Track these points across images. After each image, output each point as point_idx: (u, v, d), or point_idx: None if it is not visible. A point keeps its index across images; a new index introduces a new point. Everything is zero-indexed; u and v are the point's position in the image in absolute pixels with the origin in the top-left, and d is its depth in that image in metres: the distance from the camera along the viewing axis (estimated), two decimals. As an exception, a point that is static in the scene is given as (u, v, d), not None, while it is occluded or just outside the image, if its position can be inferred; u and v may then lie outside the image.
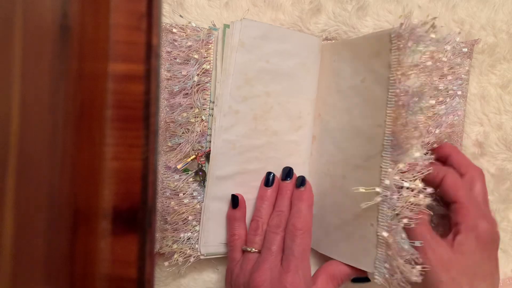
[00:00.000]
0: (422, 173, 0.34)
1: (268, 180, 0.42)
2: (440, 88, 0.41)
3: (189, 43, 0.41)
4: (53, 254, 0.22)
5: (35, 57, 0.22)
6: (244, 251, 0.40)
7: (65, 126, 0.23)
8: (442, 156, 0.40)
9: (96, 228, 0.23)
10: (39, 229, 0.21)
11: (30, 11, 0.22)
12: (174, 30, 0.41)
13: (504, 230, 0.44)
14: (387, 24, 0.44)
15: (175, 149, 0.41)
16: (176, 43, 0.41)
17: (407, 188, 0.34)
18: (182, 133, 0.41)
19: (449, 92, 0.41)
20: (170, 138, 0.41)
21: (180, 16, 0.43)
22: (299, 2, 0.44)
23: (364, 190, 0.36)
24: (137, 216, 0.23)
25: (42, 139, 0.22)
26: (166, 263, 0.41)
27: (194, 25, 0.42)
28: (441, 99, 0.41)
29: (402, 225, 0.35)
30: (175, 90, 0.40)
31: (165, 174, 0.42)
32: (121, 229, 0.23)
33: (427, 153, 0.35)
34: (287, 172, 0.42)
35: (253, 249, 0.39)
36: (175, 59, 0.41)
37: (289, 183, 0.42)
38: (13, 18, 0.21)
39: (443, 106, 0.41)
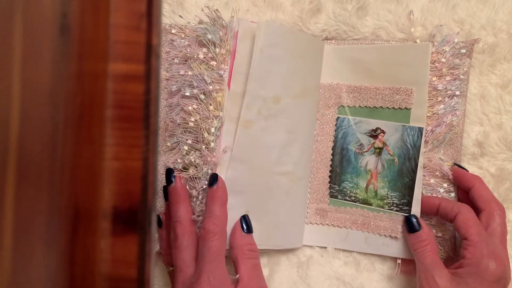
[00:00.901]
0: None
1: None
2: (439, 88, 0.42)
3: (187, 43, 0.41)
4: (53, 254, 0.22)
5: (35, 57, 0.22)
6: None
7: (65, 126, 0.23)
8: (464, 186, 0.41)
9: (96, 228, 0.23)
10: (39, 229, 0.21)
11: (30, 11, 0.22)
12: (173, 31, 0.41)
13: (504, 230, 0.44)
14: (387, 23, 0.44)
15: (174, 148, 0.41)
16: (174, 43, 0.41)
17: None
18: (180, 133, 0.40)
19: (448, 92, 0.42)
20: (169, 138, 0.41)
21: (180, 16, 0.43)
22: (299, 2, 0.44)
23: None
24: (137, 216, 0.23)
25: (42, 139, 0.22)
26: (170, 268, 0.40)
27: (193, 24, 0.42)
28: (440, 99, 0.42)
29: None
30: (172, 89, 0.40)
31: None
32: (121, 229, 0.23)
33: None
34: (168, 176, 0.40)
35: (170, 268, 0.39)
36: (173, 59, 0.41)
37: (175, 188, 0.39)
38: (13, 18, 0.21)
39: (442, 106, 0.42)
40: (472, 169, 0.44)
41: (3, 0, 0.21)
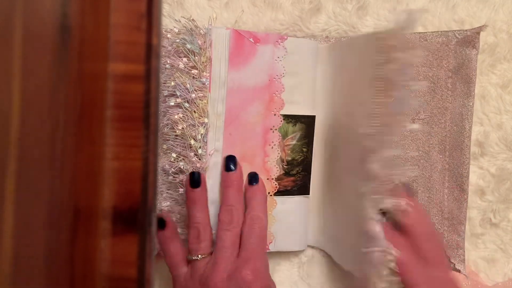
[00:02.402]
0: None
1: (194, 181, 0.39)
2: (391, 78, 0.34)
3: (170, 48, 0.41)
4: (53, 254, 0.22)
5: (35, 57, 0.22)
6: (189, 261, 0.38)
7: (65, 126, 0.23)
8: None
9: (96, 228, 0.23)
10: (39, 229, 0.21)
11: (30, 11, 0.22)
12: (169, 36, 0.41)
13: (504, 229, 0.44)
14: (387, 23, 0.44)
15: (169, 152, 0.41)
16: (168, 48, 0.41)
17: None
18: (176, 135, 0.40)
19: (396, 85, 0.34)
20: (164, 142, 0.41)
21: (175, 20, 0.43)
22: (299, 2, 0.44)
23: None
24: (137, 216, 0.23)
25: (42, 139, 0.22)
26: None
27: (174, 27, 0.42)
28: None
29: None
30: (165, 94, 0.40)
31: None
32: (121, 229, 0.23)
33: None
34: (230, 162, 0.40)
35: (200, 256, 0.37)
36: (165, 64, 0.41)
37: (235, 173, 0.40)
38: (13, 18, 0.21)
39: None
40: (472, 169, 0.44)
41: (3, 0, 0.21)
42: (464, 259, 0.40)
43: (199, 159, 0.40)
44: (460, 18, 0.44)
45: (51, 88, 0.22)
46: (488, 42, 0.43)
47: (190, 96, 0.39)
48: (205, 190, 0.39)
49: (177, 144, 0.40)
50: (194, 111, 0.39)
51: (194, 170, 0.40)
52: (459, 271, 0.39)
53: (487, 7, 0.44)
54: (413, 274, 0.35)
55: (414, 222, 0.36)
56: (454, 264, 0.40)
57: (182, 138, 0.40)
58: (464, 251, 0.39)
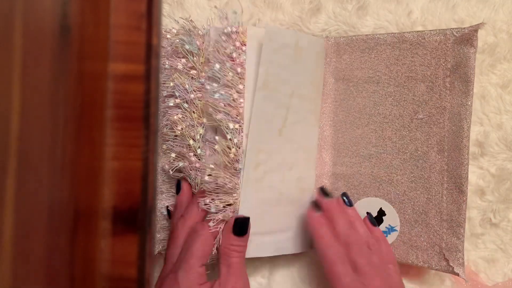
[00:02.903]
0: None
1: (176, 187, 0.41)
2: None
3: (169, 48, 0.41)
4: (53, 254, 0.22)
5: (35, 57, 0.22)
6: None
7: (65, 126, 0.23)
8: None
9: (96, 228, 0.23)
10: (39, 230, 0.21)
11: (30, 11, 0.22)
12: (168, 36, 0.41)
13: (504, 229, 0.44)
14: (387, 23, 0.44)
15: (168, 152, 0.41)
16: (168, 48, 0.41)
17: None
18: (175, 136, 0.40)
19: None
20: (164, 142, 0.41)
21: (175, 20, 0.43)
22: (299, 2, 0.44)
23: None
24: (137, 216, 0.23)
25: (42, 139, 0.22)
26: None
27: (171, 28, 0.41)
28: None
29: None
30: (164, 94, 0.40)
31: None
32: (121, 229, 0.23)
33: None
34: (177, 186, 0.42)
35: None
36: (164, 65, 0.40)
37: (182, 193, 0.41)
38: (13, 18, 0.21)
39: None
40: (472, 169, 0.44)
41: (3, 1, 0.21)
42: (463, 262, 0.39)
43: (198, 159, 0.40)
44: (460, 18, 0.44)
45: (51, 88, 0.22)
46: (488, 42, 0.43)
47: (189, 97, 0.39)
48: (186, 196, 0.40)
49: (177, 144, 0.40)
50: (193, 112, 0.39)
51: (192, 170, 0.40)
52: (457, 274, 0.39)
53: (487, 7, 0.44)
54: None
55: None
56: (453, 268, 0.39)
57: (181, 138, 0.40)
58: (463, 254, 0.39)
